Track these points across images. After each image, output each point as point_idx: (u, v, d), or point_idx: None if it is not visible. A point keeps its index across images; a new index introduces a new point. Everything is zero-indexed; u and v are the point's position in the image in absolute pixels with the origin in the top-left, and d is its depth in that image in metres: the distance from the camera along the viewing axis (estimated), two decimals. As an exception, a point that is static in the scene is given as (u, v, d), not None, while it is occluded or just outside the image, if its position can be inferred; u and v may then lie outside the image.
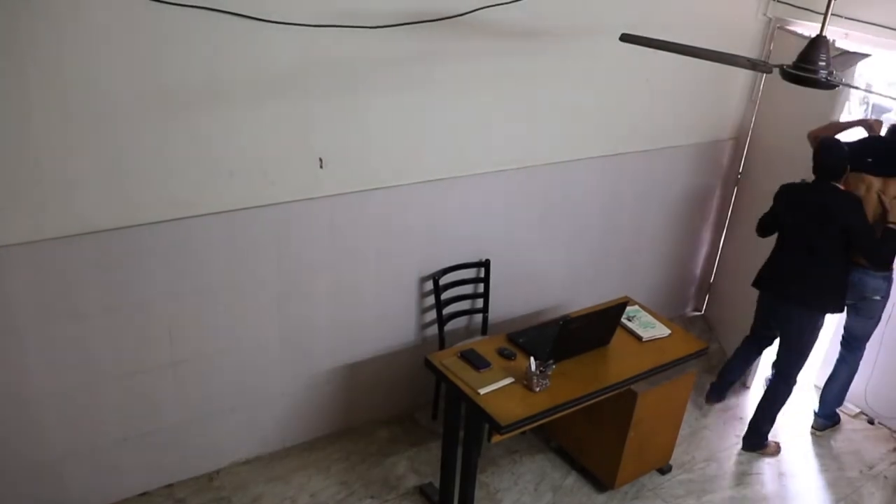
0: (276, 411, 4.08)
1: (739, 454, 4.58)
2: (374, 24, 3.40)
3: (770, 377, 4.85)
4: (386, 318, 4.21)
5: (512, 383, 3.54)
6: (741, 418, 4.90)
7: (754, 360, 4.93)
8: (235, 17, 3.05)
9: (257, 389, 3.93)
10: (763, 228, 4.49)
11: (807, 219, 4.16)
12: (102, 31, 2.81)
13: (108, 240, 3.16)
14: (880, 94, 9.31)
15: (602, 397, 3.68)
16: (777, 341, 4.59)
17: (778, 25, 4.98)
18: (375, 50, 3.49)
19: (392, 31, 3.45)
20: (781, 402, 4.52)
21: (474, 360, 3.65)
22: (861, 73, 6.56)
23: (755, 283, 4.48)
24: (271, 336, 3.84)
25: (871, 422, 5.00)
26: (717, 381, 4.91)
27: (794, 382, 4.48)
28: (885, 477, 4.51)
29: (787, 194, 4.30)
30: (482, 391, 3.45)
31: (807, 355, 4.44)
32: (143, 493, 3.80)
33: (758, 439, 4.60)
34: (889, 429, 4.93)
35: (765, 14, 4.99)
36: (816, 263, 4.20)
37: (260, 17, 3.11)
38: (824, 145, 4.15)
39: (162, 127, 3.10)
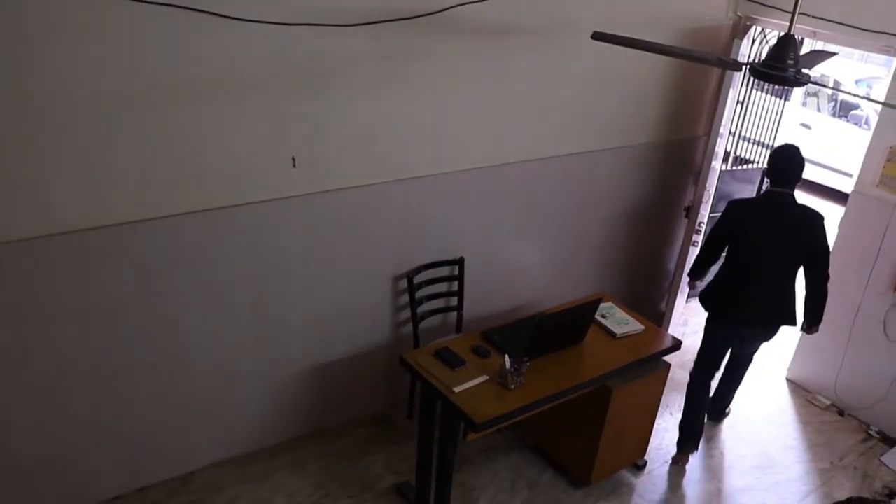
0: (251, 412, 4.06)
1: (713, 448, 4.63)
2: (347, 23, 3.38)
3: (730, 363, 4.70)
4: (360, 317, 4.20)
5: (487, 381, 3.54)
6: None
7: (708, 397, 4.53)
8: (209, 15, 3.02)
9: (232, 390, 3.91)
10: (703, 264, 4.37)
11: (769, 235, 4.00)
12: (72, 28, 2.77)
13: (78, 240, 3.12)
14: (847, 93, 9.46)
15: (577, 394, 3.70)
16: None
17: (747, 23, 5.03)
18: (349, 48, 3.48)
19: (365, 29, 3.44)
20: (740, 381, 4.75)
21: (449, 359, 3.65)
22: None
23: (712, 312, 4.31)
24: (245, 336, 3.82)
25: (841, 413, 5.07)
26: (683, 437, 4.47)
27: (750, 363, 4.67)
28: (855, 468, 4.58)
29: (742, 211, 4.12)
30: (457, 389, 3.45)
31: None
32: (116, 497, 3.76)
33: (723, 414, 4.89)
34: (859, 420, 5.00)
35: (735, 12, 5.04)
36: (780, 282, 4.11)
37: (233, 15, 3.08)
38: (781, 151, 4.06)
39: (133, 126, 3.06)
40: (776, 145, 4.10)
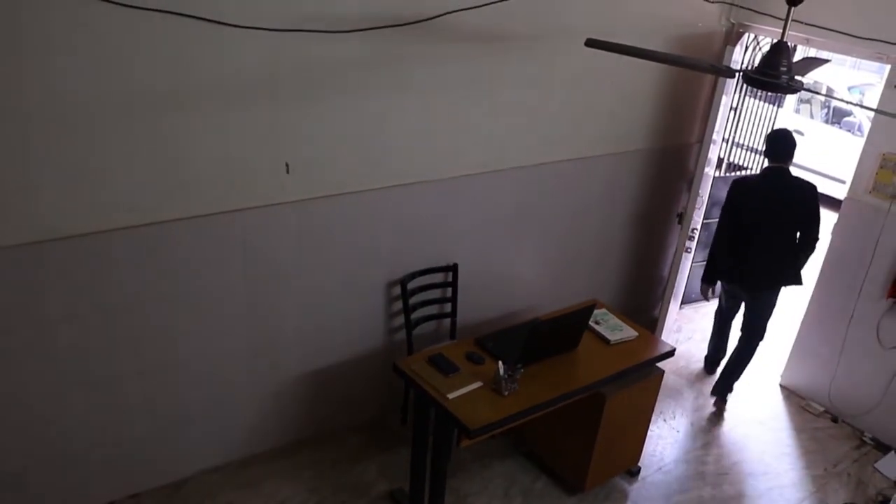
0: (245, 418, 4.04)
1: (707, 455, 4.63)
2: (340, 29, 3.39)
3: (740, 338, 5.06)
4: (354, 324, 4.19)
5: (480, 387, 3.54)
6: (709, 419, 4.97)
7: (729, 330, 5.33)
8: (201, 22, 3.03)
9: (225, 396, 3.89)
10: (720, 247, 4.83)
11: (767, 205, 4.56)
12: (64, 34, 2.77)
13: (71, 247, 3.11)
14: (839, 100, 9.50)
15: (571, 400, 3.70)
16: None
17: (740, 30, 5.05)
18: (342, 55, 3.48)
19: (358, 35, 3.45)
20: (750, 357, 5.00)
21: (443, 365, 3.64)
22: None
23: (722, 276, 4.91)
24: (239, 342, 3.81)
25: (834, 420, 5.08)
26: (709, 360, 5.45)
27: (761, 338, 4.96)
28: (849, 474, 4.59)
29: (743, 186, 4.72)
30: (451, 396, 3.45)
31: (770, 317, 4.92)
32: (110, 503, 3.75)
33: (728, 388, 5.09)
34: (852, 427, 5.01)
35: (728, 19, 5.06)
36: (780, 247, 4.63)
37: (225, 21, 3.08)
38: (775, 132, 4.74)
39: (126, 132, 3.06)
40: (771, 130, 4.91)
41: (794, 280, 4.72)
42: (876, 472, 4.63)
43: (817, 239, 4.63)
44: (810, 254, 4.69)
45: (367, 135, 3.77)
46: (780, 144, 4.58)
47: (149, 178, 3.21)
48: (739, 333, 5.05)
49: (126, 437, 3.64)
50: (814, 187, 4.58)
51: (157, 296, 3.44)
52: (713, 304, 6.24)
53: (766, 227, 4.58)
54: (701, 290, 5.10)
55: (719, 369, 5.27)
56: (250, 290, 3.72)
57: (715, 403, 5.12)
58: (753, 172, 6.20)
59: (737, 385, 5.14)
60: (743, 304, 5.03)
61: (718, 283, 5.08)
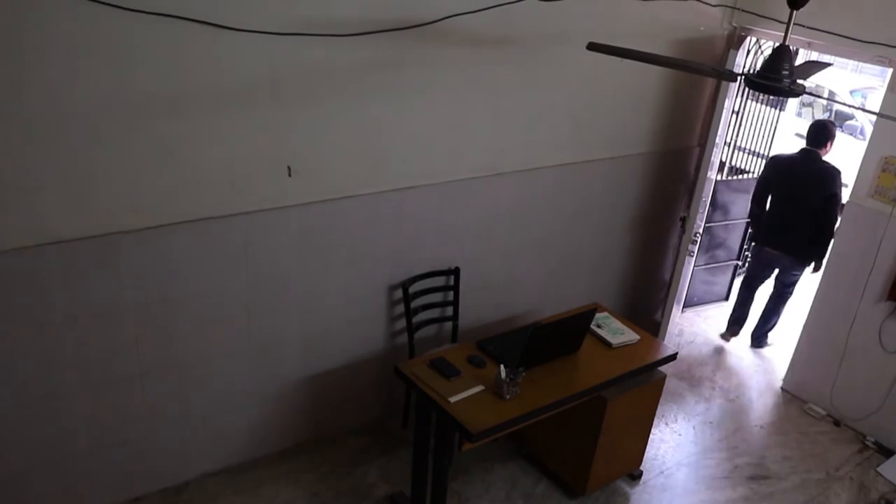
0: (245, 422, 4.04)
1: (709, 459, 4.62)
2: (341, 33, 3.39)
3: (772, 292, 5.81)
4: (355, 327, 4.19)
5: (482, 391, 3.53)
6: (711, 423, 4.95)
7: (753, 297, 5.91)
8: (202, 25, 3.03)
9: (226, 400, 3.89)
10: (754, 213, 5.61)
11: (795, 183, 5.25)
12: (63, 38, 2.78)
13: (72, 250, 3.11)
14: (841, 103, 9.49)
15: (572, 404, 3.69)
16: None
17: (742, 34, 5.05)
18: (344, 58, 3.48)
19: (360, 39, 3.45)
20: (780, 310, 5.78)
21: (444, 369, 3.63)
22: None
23: (755, 238, 5.70)
24: (240, 346, 3.81)
25: (836, 424, 5.06)
26: (732, 322, 5.98)
27: (791, 294, 5.71)
28: (851, 478, 4.57)
29: (777, 163, 5.43)
30: (452, 399, 3.44)
31: (796, 283, 5.67)
32: (110, 507, 3.76)
33: (764, 338, 5.89)
34: (854, 430, 5.00)
35: (730, 23, 5.06)
36: (803, 219, 5.24)
37: (226, 24, 3.09)
38: (816, 122, 5.37)
39: (127, 135, 3.06)
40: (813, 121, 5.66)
41: (818, 254, 5.30)
42: (879, 476, 4.62)
43: (836, 215, 5.14)
44: (831, 228, 5.17)
45: (368, 138, 3.77)
46: (817, 131, 5.25)
47: (149, 181, 3.21)
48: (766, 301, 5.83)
49: (127, 440, 3.64)
50: (837, 171, 5.17)
51: (158, 299, 3.44)
52: (716, 307, 6.29)
53: (795, 200, 5.27)
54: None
55: (736, 337, 5.99)
56: (252, 293, 3.73)
57: (752, 346, 5.94)
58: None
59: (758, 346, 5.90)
60: (774, 273, 5.72)
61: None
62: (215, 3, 3.05)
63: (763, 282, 5.85)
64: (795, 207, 5.28)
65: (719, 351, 5.85)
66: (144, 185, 3.20)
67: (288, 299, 3.87)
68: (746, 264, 6.06)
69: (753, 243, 5.80)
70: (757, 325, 5.91)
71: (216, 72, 3.18)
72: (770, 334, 5.91)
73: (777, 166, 5.43)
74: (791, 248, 5.41)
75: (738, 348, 5.91)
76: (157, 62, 3.02)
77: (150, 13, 2.89)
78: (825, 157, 5.26)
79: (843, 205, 5.04)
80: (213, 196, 3.41)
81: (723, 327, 6.06)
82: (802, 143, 5.36)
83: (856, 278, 4.81)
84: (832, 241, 5.10)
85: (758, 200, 5.57)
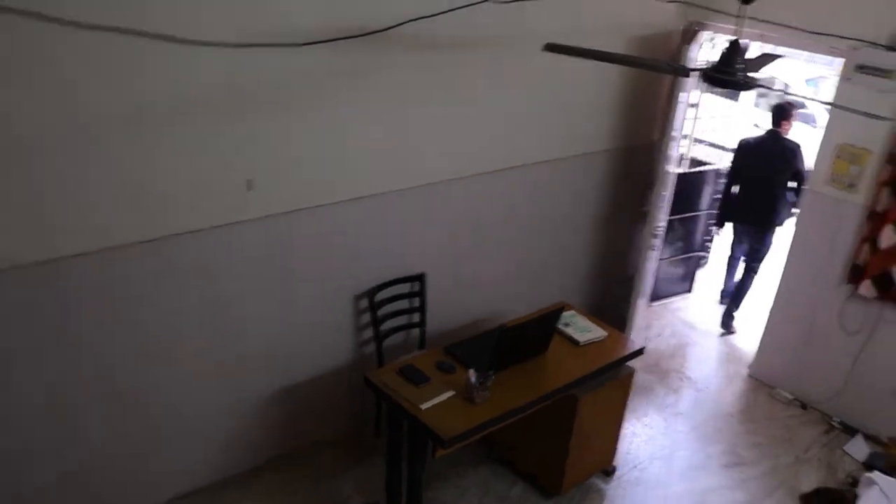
0: (215, 441, 3.98)
1: (681, 450, 4.66)
2: (298, 42, 3.35)
3: (743, 273, 6.17)
4: (322, 339, 4.15)
5: (452, 396, 3.52)
6: (681, 414, 4.99)
7: (736, 269, 6.39)
8: (155, 39, 2.97)
9: (194, 419, 3.83)
10: (726, 194, 5.96)
11: (760, 162, 5.69)
12: (8, 58, 2.70)
13: (28, 274, 3.03)
14: (794, 95, 9.64)
15: (543, 404, 3.69)
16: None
17: (696, 28, 5.09)
18: (301, 67, 3.44)
19: (319, 47, 3.40)
20: (748, 289, 6.09)
21: (413, 376, 3.62)
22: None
23: (726, 218, 6.07)
24: (205, 364, 3.75)
25: (804, 407, 5.14)
26: (724, 291, 6.50)
27: (756, 272, 6.06)
28: (819, 459, 4.65)
29: (745, 145, 5.83)
30: (423, 406, 3.43)
31: (766, 255, 6.02)
32: (80, 534, 3.68)
33: (730, 323, 6.13)
34: (821, 412, 5.08)
35: (685, 18, 5.09)
36: (770, 194, 5.66)
37: (181, 37, 3.02)
38: (775, 104, 5.82)
39: (80, 154, 2.98)
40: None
41: (778, 223, 5.82)
42: (845, 455, 4.70)
43: (801, 185, 5.61)
44: (796, 197, 5.70)
45: (329, 147, 3.73)
46: (775, 111, 5.71)
47: (104, 200, 3.13)
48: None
49: (93, 466, 3.56)
50: (797, 146, 5.61)
51: (119, 320, 3.37)
52: (682, 300, 6.35)
53: (758, 173, 5.70)
54: (715, 227, 6.35)
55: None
56: (215, 309, 3.67)
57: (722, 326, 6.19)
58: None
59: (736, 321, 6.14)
60: (747, 245, 6.10)
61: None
62: (169, 16, 2.99)
63: (743, 254, 6.27)
64: (762, 183, 5.68)
65: (687, 342, 5.90)
66: (101, 205, 3.12)
67: (253, 314, 3.81)
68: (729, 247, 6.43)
69: (729, 222, 6.15)
70: (726, 309, 6.19)
71: (171, 86, 3.11)
72: (736, 315, 6.16)
73: (744, 148, 5.82)
74: (760, 221, 5.83)
75: (706, 338, 5.98)
76: (109, 78, 2.94)
77: (102, 29, 2.82)
78: (787, 136, 5.67)
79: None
80: (172, 213, 3.34)
81: (691, 318, 6.18)
82: (759, 133, 5.49)
83: (816, 264, 4.89)
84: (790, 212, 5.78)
85: (730, 182, 5.91)
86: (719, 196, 6.18)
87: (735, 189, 5.89)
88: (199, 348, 3.70)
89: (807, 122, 9.42)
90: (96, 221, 3.14)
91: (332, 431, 4.47)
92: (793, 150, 5.60)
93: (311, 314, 4.05)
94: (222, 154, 3.39)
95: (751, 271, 6.08)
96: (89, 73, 2.89)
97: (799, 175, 5.63)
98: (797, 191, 5.69)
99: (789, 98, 9.69)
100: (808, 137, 5.73)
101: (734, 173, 5.89)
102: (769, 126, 5.74)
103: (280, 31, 3.30)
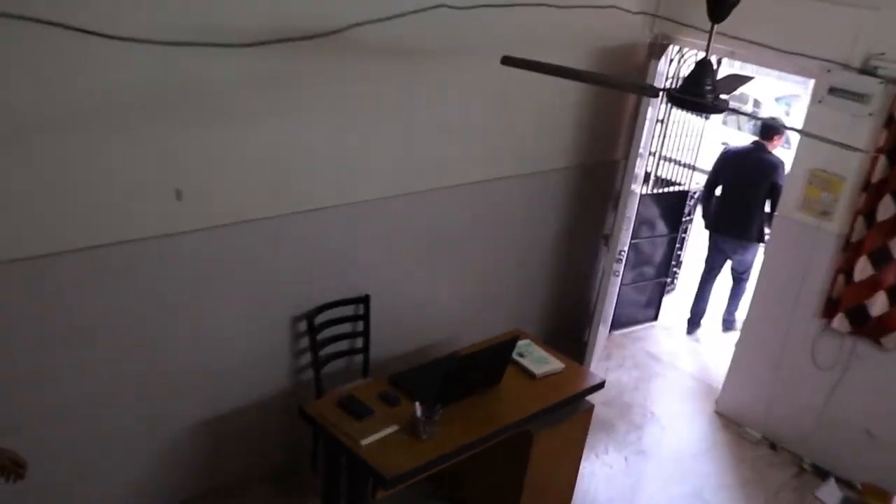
0: (136, 475, 3.64)
1: (642, 491, 4.40)
2: (236, 43, 3.12)
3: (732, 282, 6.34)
4: (256, 364, 3.86)
5: (396, 431, 3.31)
6: (643, 452, 4.73)
7: (712, 289, 6.30)
8: (75, 32, 2.70)
9: (112, 452, 3.49)
10: (706, 200, 6.03)
11: (743, 172, 5.71)
12: None
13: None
14: (762, 119, 9.60)
15: (495, 440, 3.48)
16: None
17: (664, 41, 4.91)
18: (239, 70, 3.21)
19: (257, 50, 3.19)
20: (741, 295, 6.23)
21: (354, 408, 3.37)
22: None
23: (708, 226, 6.09)
24: (126, 390, 3.42)
25: (773, 447, 4.91)
26: (692, 317, 6.35)
27: (746, 279, 6.15)
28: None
29: (727, 155, 5.93)
30: (364, 442, 3.20)
31: (751, 265, 6.06)
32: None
33: (732, 321, 6.30)
34: (791, 453, 4.85)
35: (651, 31, 4.93)
36: (749, 206, 5.70)
37: (105, 32, 2.76)
38: (766, 119, 6.10)
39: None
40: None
41: (757, 237, 5.79)
42: (816, 501, 4.48)
43: (776, 201, 5.37)
44: (772, 212, 5.47)
45: (267, 157, 3.49)
46: (766, 126, 5.76)
47: (15, 208, 2.84)
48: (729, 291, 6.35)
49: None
50: (780, 162, 5.60)
51: (29, 339, 3.05)
52: (645, 329, 6.12)
53: (739, 183, 5.74)
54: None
55: (698, 331, 6.34)
56: (138, 329, 3.36)
57: (723, 330, 6.37)
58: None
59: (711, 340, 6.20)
60: (728, 261, 6.16)
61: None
62: (88, 7, 2.72)
63: (720, 270, 6.22)
64: (742, 194, 5.71)
65: (650, 375, 5.65)
66: (14, 214, 2.83)
67: (179, 335, 3.51)
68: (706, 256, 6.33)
69: (706, 230, 6.19)
70: (726, 310, 6.39)
71: (96, 86, 2.86)
72: (736, 314, 6.29)
73: (727, 157, 5.90)
74: (737, 232, 5.84)
75: (671, 370, 5.73)
76: (25, 77, 2.67)
77: (11, 16, 2.53)
78: (773, 151, 5.71)
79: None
80: (93, 223, 3.06)
81: (654, 349, 5.94)
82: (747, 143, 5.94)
83: (787, 294, 4.67)
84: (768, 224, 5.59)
85: (709, 189, 5.97)
86: (689, 217, 6.26)
87: (717, 192, 5.94)
88: (120, 370, 3.38)
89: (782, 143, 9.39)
90: (9, 231, 2.86)
91: (266, 465, 4.15)
92: (774, 165, 5.61)
93: (246, 337, 3.76)
94: (149, 162, 3.14)
95: (739, 281, 6.24)
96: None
97: (776, 190, 5.52)
98: (773, 205, 5.58)
99: (756, 124, 9.77)
100: (783, 158, 5.57)
101: (713, 178, 5.92)
102: (755, 138, 5.83)
103: (216, 31, 3.08)
